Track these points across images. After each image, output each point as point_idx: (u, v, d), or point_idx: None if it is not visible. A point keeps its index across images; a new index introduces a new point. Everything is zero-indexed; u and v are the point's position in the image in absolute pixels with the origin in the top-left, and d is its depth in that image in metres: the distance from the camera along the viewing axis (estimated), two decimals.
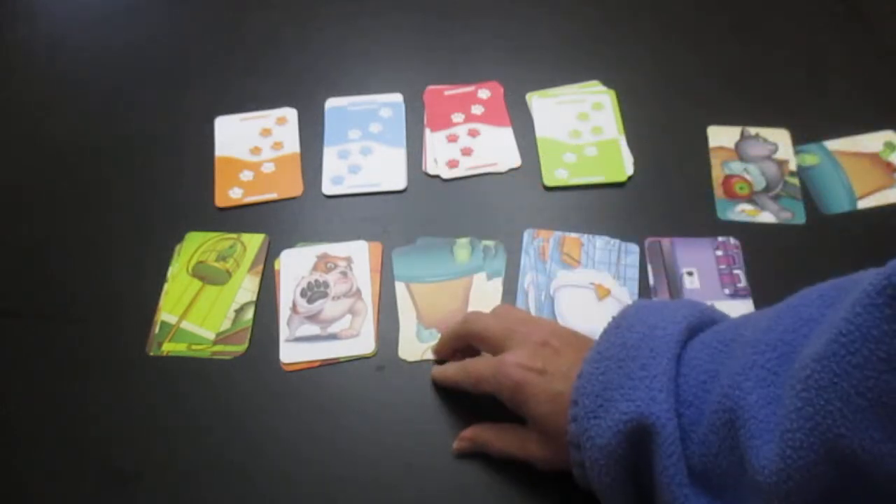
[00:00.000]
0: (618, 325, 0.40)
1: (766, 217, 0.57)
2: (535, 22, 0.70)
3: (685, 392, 0.36)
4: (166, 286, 0.55)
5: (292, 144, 0.63)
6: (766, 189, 0.58)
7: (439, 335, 0.52)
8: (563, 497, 0.46)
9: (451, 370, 0.48)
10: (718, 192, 0.59)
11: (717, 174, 0.59)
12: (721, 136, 0.61)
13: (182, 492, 0.47)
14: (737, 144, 0.61)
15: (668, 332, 0.38)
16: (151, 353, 0.52)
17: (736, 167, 0.59)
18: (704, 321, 0.40)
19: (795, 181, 0.59)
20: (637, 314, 0.40)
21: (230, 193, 0.60)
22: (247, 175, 0.61)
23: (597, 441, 0.36)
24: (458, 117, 0.64)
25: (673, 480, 0.35)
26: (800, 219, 0.57)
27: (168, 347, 0.52)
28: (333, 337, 0.52)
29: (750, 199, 0.58)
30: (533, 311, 0.53)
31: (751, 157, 0.60)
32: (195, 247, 0.57)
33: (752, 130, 0.61)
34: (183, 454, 0.48)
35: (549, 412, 0.40)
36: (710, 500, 0.35)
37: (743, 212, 0.57)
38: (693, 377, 0.37)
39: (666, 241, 0.56)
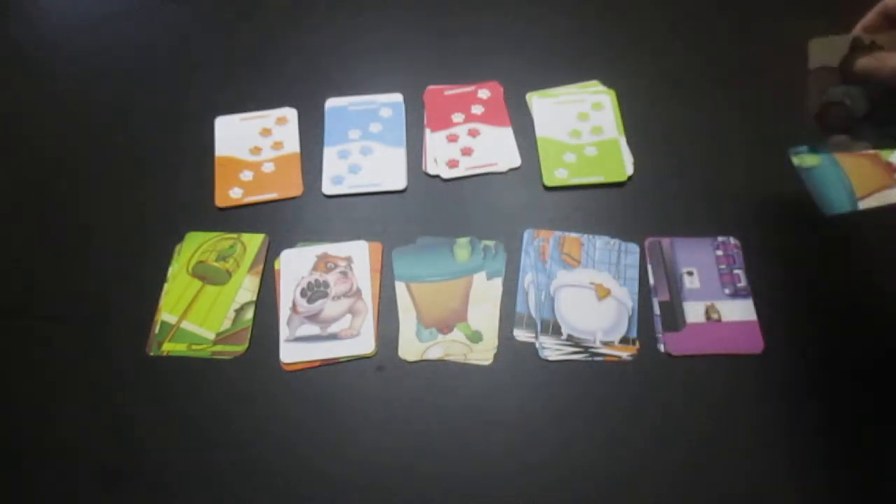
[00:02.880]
0: None
1: (862, 147, 0.52)
2: (535, 22, 0.70)
3: None
4: (166, 286, 0.55)
5: (292, 144, 0.63)
6: (868, 117, 0.51)
7: (440, 335, 0.52)
8: (560, 496, 0.46)
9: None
10: (811, 125, 0.52)
11: (812, 105, 0.52)
12: (825, 53, 0.52)
13: (181, 491, 0.47)
14: (843, 60, 0.51)
15: None
16: (151, 353, 0.52)
17: (836, 93, 0.51)
18: None
19: None
20: None
21: (230, 193, 0.60)
22: (247, 175, 0.61)
23: None
24: (458, 117, 0.64)
25: None
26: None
27: (168, 347, 0.52)
28: (333, 337, 0.52)
29: (848, 129, 0.52)
30: (533, 311, 0.53)
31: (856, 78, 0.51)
32: (195, 247, 0.57)
33: (867, 39, 0.50)
34: (183, 454, 0.48)
35: None
36: None
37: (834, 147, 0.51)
38: None
39: (666, 241, 0.56)
